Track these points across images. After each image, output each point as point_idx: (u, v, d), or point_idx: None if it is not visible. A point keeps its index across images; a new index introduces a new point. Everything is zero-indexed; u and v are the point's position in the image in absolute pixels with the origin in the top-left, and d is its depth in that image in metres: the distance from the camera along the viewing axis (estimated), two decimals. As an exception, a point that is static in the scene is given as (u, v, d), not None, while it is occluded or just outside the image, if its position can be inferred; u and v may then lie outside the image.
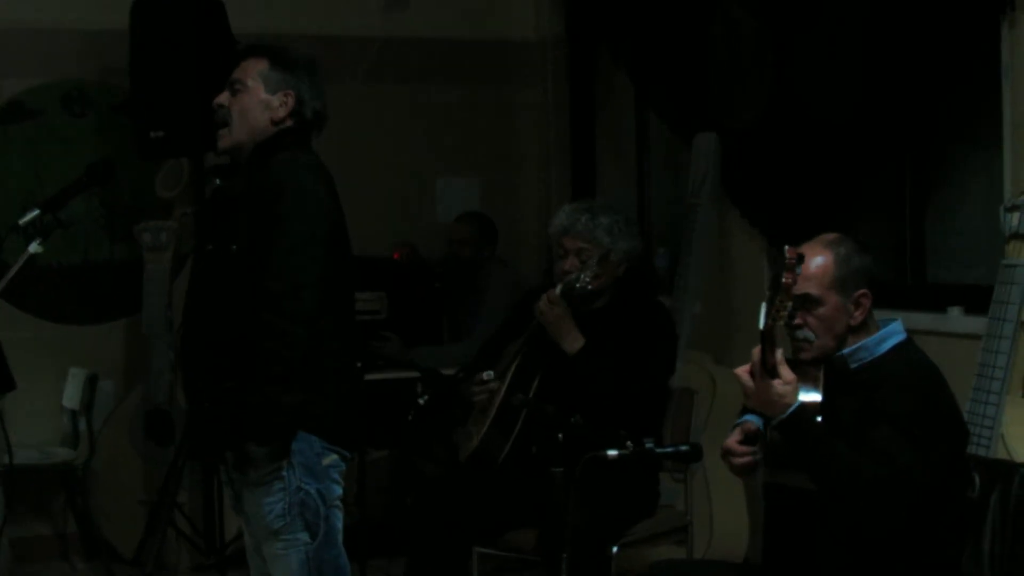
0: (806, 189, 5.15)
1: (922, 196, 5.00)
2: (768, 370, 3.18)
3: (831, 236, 3.43)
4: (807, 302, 3.33)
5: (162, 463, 5.99)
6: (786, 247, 3.13)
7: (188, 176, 6.20)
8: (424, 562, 4.54)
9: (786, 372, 3.19)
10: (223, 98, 3.66)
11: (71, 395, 6.34)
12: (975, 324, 4.37)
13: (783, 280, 3.08)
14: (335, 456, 3.63)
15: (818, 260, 3.34)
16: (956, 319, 4.60)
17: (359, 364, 4.00)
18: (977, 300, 4.42)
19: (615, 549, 4.37)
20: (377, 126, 6.91)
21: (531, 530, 4.47)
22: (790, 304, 3.11)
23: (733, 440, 3.51)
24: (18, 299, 6.15)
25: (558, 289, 4.49)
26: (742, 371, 3.24)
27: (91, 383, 6.27)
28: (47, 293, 6.43)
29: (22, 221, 3.69)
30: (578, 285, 4.43)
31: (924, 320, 4.58)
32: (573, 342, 4.48)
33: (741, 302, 5.69)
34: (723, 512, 5.23)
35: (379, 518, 5.75)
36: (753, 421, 3.52)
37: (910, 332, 3.48)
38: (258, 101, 3.63)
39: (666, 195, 6.59)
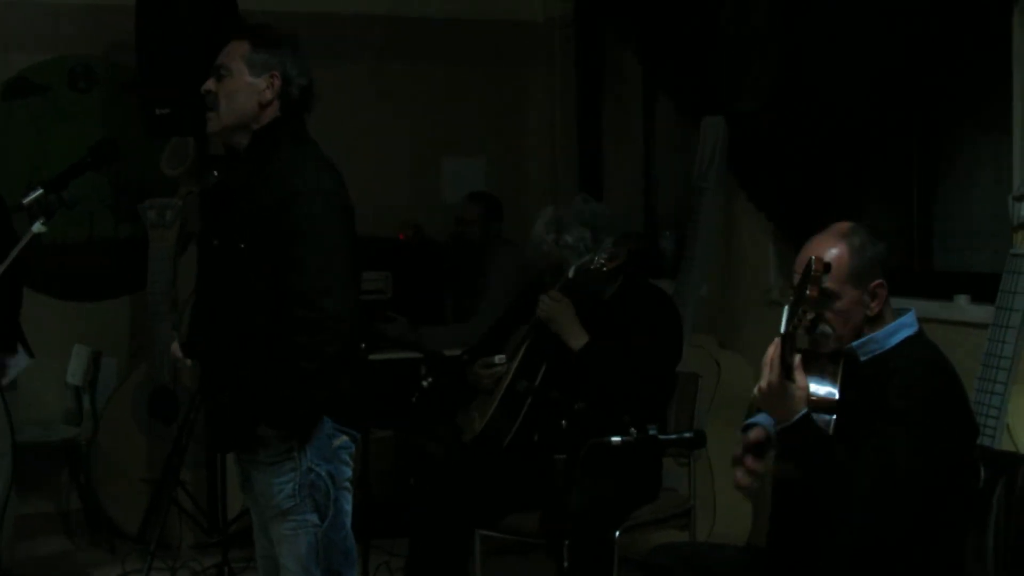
0: (813, 174, 5.13)
1: (930, 182, 4.98)
2: (784, 370, 3.15)
3: (844, 226, 3.36)
4: (824, 297, 3.26)
5: (165, 441, 5.98)
6: (812, 257, 3.08)
7: (194, 154, 6.18)
8: (427, 544, 4.54)
9: (800, 378, 3.16)
10: (210, 84, 3.63)
11: (75, 372, 6.35)
12: (982, 312, 4.37)
13: (807, 292, 3.03)
14: (345, 438, 3.63)
15: (832, 252, 3.29)
16: (963, 307, 4.59)
17: (363, 345, 4.00)
18: (984, 288, 4.41)
19: (617, 533, 4.37)
20: (383, 106, 6.90)
21: (533, 513, 4.47)
22: (813, 314, 3.07)
23: (744, 455, 3.47)
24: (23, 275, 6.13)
25: (571, 271, 4.43)
26: (767, 360, 3.20)
27: (95, 360, 6.27)
28: (52, 269, 6.43)
29: (25, 201, 3.67)
30: (592, 267, 4.38)
31: (931, 308, 4.56)
32: (577, 339, 4.44)
33: (747, 286, 5.68)
34: (726, 496, 5.23)
35: (382, 498, 5.74)
36: (764, 428, 3.48)
37: (916, 319, 3.44)
38: (244, 85, 3.59)
39: (673, 177, 6.57)
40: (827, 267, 3.09)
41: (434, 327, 6.27)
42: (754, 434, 3.46)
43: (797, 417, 3.14)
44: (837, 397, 3.28)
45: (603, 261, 4.37)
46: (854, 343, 3.34)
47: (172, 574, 5.54)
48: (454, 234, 6.61)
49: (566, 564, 3.30)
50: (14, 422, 5.15)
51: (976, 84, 4.80)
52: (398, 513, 5.43)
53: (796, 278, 3.24)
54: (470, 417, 4.72)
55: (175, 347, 3.76)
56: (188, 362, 3.70)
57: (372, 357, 4.96)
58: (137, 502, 6.05)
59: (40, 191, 3.67)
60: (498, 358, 4.62)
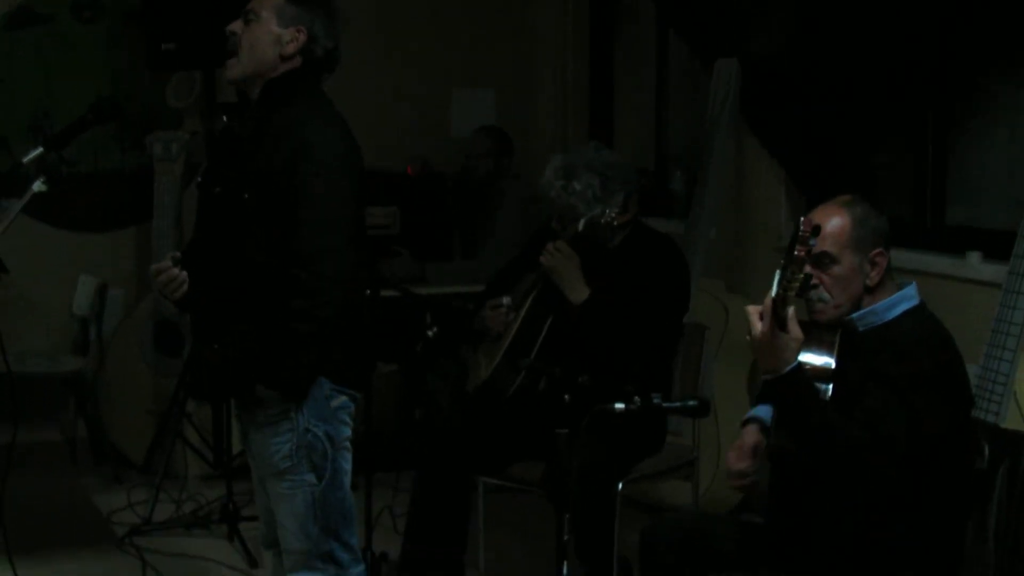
0: (826, 121, 5.06)
1: (945, 133, 4.89)
2: (778, 322, 3.14)
3: (846, 197, 3.37)
4: (823, 260, 3.29)
5: (171, 373, 5.99)
6: (802, 218, 3.06)
7: (200, 88, 6.12)
8: (430, 490, 4.55)
9: (795, 329, 3.14)
10: (236, 26, 3.60)
11: (81, 302, 6.34)
12: (992, 271, 4.32)
13: (796, 253, 3.01)
14: (344, 398, 3.61)
15: (835, 220, 3.30)
16: (974, 265, 4.53)
17: (367, 292, 3.96)
18: (997, 245, 4.35)
19: (620, 486, 4.36)
20: (390, 36, 6.82)
21: (537, 463, 4.46)
22: (802, 276, 3.05)
23: (736, 458, 3.51)
24: (29, 206, 6.07)
25: (581, 224, 4.37)
26: (753, 310, 3.18)
27: (101, 291, 6.26)
28: (58, 200, 6.39)
29: (25, 159, 3.65)
30: (603, 221, 4.31)
31: (941, 263, 4.53)
32: (578, 294, 4.38)
33: (757, 230, 5.64)
34: (730, 444, 5.20)
35: (388, 432, 5.75)
36: (762, 420, 3.47)
37: (926, 275, 3.43)
38: (269, 33, 3.55)
39: (684, 117, 6.49)
40: (816, 229, 3.07)
41: (441, 263, 6.23)
42: (749, 437, 3.46)
43: (788, 368, 3.13)
44: (833, 366, 3.27)
45: (614, 215, 4.32)
46: (853, 315, 3.33)
47: (177, 506, 5.57)
48: (463, 168, 6.54)
49: (566, 537, 3.29)
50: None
51: (994, 35, 4.71)
52: (403, 446, 5.45)
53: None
54: (478, 363, 4.70)
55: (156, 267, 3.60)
56: (176, 269, 3.57)
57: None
58: (143, 433, 6.08)
59: (40, 150, 3.64)
60: (505, 300, 4.59)
